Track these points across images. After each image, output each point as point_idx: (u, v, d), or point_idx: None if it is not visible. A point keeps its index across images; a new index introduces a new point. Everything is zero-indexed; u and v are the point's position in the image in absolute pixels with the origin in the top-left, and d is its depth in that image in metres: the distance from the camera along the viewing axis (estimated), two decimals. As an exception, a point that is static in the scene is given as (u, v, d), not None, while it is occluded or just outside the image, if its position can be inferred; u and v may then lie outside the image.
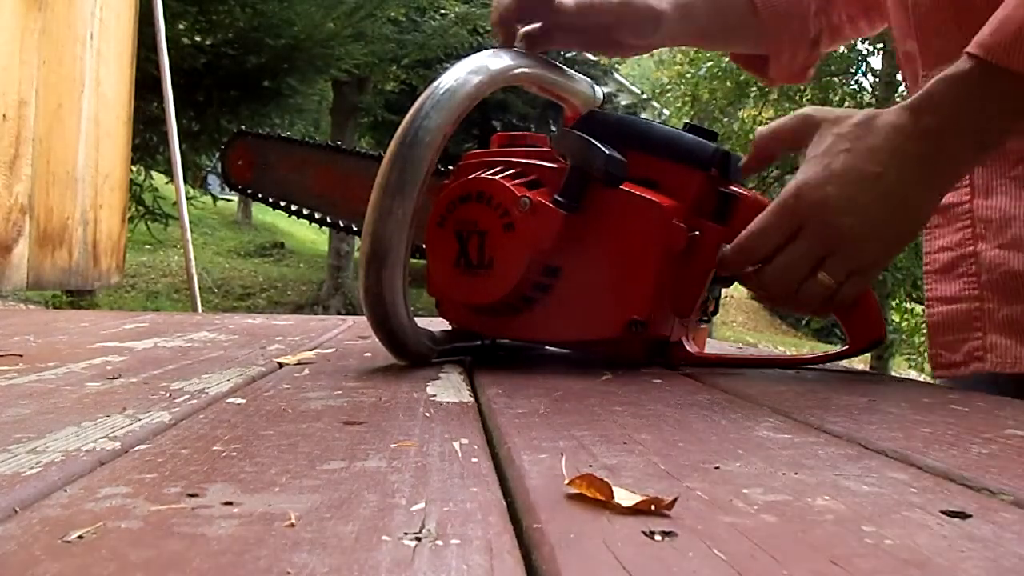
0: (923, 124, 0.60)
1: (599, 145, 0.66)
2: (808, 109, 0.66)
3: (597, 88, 0.79)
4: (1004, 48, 0.57)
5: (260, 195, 1.04)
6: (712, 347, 0.88)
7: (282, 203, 1.01)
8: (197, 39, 5.10)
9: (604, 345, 0.70)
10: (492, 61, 0.67)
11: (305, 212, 0.99)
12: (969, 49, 0.59)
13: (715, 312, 0.78)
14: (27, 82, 2.27)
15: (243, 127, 1.09)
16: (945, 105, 0.60)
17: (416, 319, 0.65)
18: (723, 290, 0.78)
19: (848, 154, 0.61)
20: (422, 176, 0.60)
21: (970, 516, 0.27)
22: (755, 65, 0.89)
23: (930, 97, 0.60)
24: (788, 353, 0.85)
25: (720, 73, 9.22)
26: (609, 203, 0.67)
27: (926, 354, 0.77)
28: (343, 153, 0.98)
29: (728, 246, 0.66)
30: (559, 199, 0.66)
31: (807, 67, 0.88)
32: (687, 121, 0.78)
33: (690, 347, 0.74)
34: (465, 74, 0.64)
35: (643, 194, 0.66)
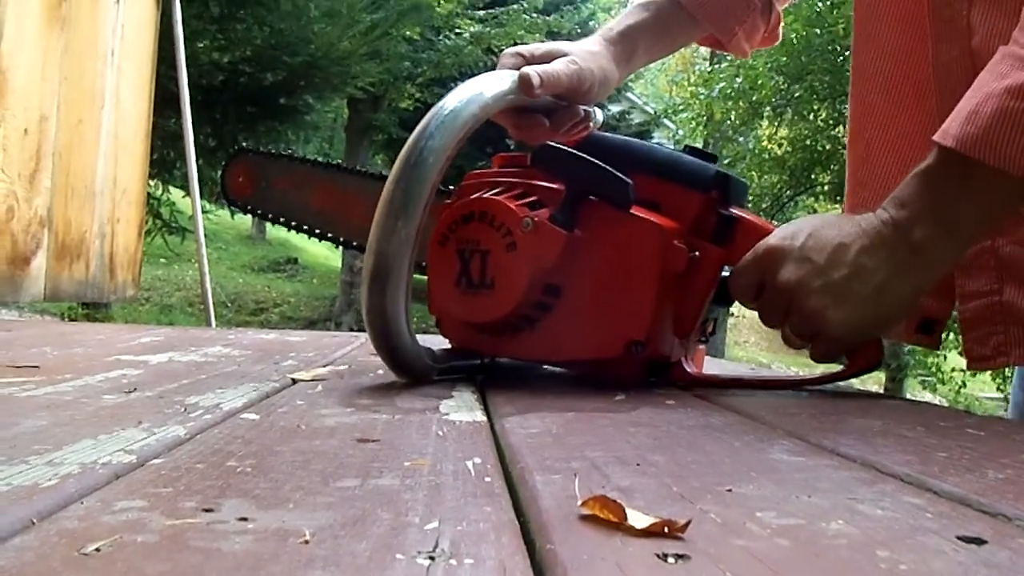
0: (896, 225, 0.61)
1: (610, 169, 0.66)
2: (773, 239, 0.67)
3: (597, 111, 0.80)
4: (975, 141, 0.57)
5: (260, 212, 1.06)
6: (715, 368, 0.87)
7: (282, 219, 1.03)
8: (215, 56, 5.15)
9: (604, 365, 0.70)
10: (494, 83, 0.68)
11: (306, 228, 1.01)
12: (937, 138, 0.59)
13: (713, 333, 0.79)
14: (49, 98, 2.30)
15: (243, 144, 1.11)
16: (916, 202, 0.61)
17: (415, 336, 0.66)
18: (734, 311, 0.78)
19: (817, 240, 0.64)
20: (426, 196, 0.61)
21: (986, 542, 0.27)
22: (719, 44, 0.88)
23: (901, 197, 0.62)
24: (798, 373, 0.86)
25: (733, 93, 9.20)
26: (610, 224, 0.67)
27: (957, 353, 0.80)
28: (347, 172, 0.99)
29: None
30: (557, 217, 0.66)
31: (772, 30, 0.88)
32: (687, 144, 0.79)
33: (689, 367, 0.74)
34: (468, 95, 0.65)
35: (644, 215, 0.67)
